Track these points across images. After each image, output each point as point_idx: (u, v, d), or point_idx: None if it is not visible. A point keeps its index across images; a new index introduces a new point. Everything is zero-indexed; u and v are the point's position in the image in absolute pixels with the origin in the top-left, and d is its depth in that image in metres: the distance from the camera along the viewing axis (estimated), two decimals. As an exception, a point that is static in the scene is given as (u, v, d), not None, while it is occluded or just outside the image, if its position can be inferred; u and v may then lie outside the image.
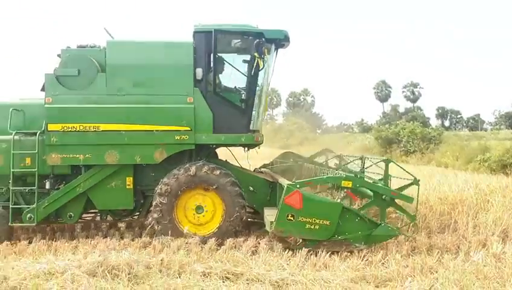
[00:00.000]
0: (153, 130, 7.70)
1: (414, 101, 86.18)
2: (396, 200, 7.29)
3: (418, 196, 7.42)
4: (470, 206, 8.47)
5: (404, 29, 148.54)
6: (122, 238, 7.83)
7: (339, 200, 7.06)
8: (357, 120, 76.48)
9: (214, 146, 8.59)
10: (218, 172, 7.70)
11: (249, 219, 8.58)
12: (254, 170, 9.24)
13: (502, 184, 10.12)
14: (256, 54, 7.91)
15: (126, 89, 7.74)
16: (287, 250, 6.76)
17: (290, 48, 8.43)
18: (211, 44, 7.91)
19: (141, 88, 7.77)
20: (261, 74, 8.17)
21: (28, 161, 7.78)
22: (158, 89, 7.79)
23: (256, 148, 8.78)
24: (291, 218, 6.70)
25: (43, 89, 7.74)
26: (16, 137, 7.78)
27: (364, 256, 6.59)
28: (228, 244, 7.04)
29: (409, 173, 7.47)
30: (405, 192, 7.37)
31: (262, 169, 9.63)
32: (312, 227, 6.70)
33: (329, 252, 6.63)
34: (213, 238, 7.27)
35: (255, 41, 7.90)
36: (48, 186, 7.96)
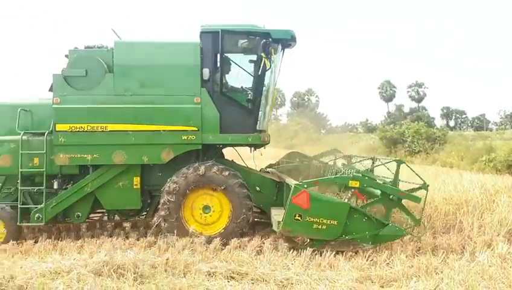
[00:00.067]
0: (160, 130, 7.74)
1: (419, 101, 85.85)
2: (403, 202, 7.22)
3: (425, 201, 7.31)
4: (475, 207, 8.45)
5: (410, 29, 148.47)
6: (127, 237, 7.86)
7: (346, 200, 7.06)
8: (362, 120, 76.55)
9: (221, 146, 8.62)
10: (227, 173, 7.74)
11: (255, 219, 8.57)
12: (260, 170, 9.25)
13: (508, 184, 10.07)
14: (263, 54, 7.94)
15: (133, 89, 7.78)
16: (292, 250, 6.77)
17: (295, 47, 8.43)
18: (217, 44, 7.93)
19: (148, 88, 7.81)
20: (267, 74, 8.19)
21: (36, 161, 7.85)
22: (165, 90, 7.82)
23: (261, 149, 8.80)
24: (299, 218, 6.70)
25: (51, 90, 7.81)
26: (24, 137, 7.85)
27: (369, 256, 6.60)
28: (233, 244, 7.07)
29: (419, 176, 7.29)
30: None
31: (269, 169, 9.64)
32: (319, 227, 6.71)
33: (334, 252, 6.63)
34: (218, 238, 7.31)
35: (262, 42, 7.93)
36: (56, 186, 8.03)
